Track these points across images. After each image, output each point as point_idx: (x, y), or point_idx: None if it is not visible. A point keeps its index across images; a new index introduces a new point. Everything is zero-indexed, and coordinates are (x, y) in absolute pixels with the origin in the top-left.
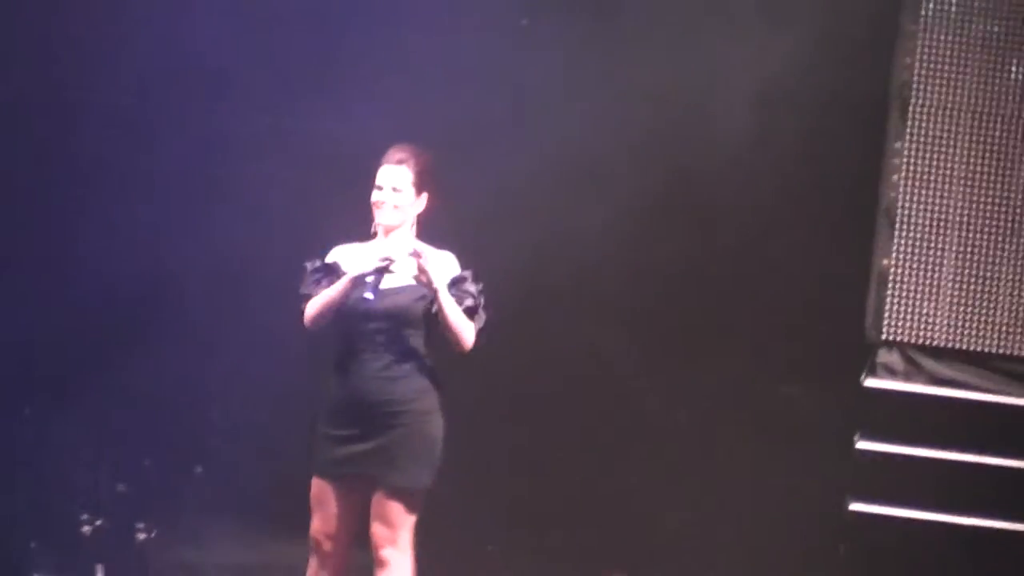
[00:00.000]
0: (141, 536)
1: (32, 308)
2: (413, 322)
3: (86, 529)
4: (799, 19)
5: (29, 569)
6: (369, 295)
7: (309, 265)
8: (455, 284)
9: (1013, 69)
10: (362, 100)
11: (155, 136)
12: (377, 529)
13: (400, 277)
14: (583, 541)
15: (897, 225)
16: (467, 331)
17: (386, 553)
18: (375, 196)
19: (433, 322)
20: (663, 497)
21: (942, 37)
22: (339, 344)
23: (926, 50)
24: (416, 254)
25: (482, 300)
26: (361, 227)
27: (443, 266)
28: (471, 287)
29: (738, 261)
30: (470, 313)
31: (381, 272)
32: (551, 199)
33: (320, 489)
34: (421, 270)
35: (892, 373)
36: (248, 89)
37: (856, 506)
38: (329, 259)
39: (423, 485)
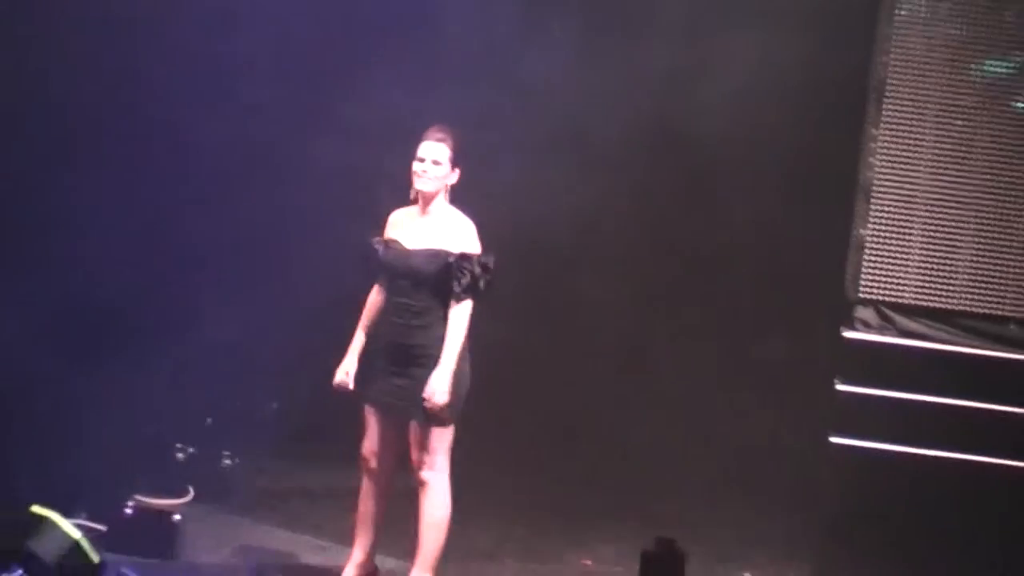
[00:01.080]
0: (226, 462)
1: (124, 266)
2: (430, 281)
3: (180, 456)
4: (794, 23)
5: (133, 491)
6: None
7: (375, 242)
8: (461, 261)
9: (972, 68)
10: (395, 86)
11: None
12: (416, 455)
13: (423, 241)
14: (585, 470)
15: (872, 199)
16: (461, 330)
17: (425, 475)
18: (416, 167)
19: (448, 280)
20: (664, 429)
21: (913, 40)
22: (383, 295)
23: (899, 50)
24: (429, 397)
25: (484, 273)
26: (401, 195)
27: (463, 234)
28: (474, 266)
29: (736, 230)
30: (466, 289)
31: None
32: (560, 172)
33: (368, 414)
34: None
35: (867, 326)
36: (301, 74)
37: (836, 439)
38: (387, 232)
39: (453, 416)
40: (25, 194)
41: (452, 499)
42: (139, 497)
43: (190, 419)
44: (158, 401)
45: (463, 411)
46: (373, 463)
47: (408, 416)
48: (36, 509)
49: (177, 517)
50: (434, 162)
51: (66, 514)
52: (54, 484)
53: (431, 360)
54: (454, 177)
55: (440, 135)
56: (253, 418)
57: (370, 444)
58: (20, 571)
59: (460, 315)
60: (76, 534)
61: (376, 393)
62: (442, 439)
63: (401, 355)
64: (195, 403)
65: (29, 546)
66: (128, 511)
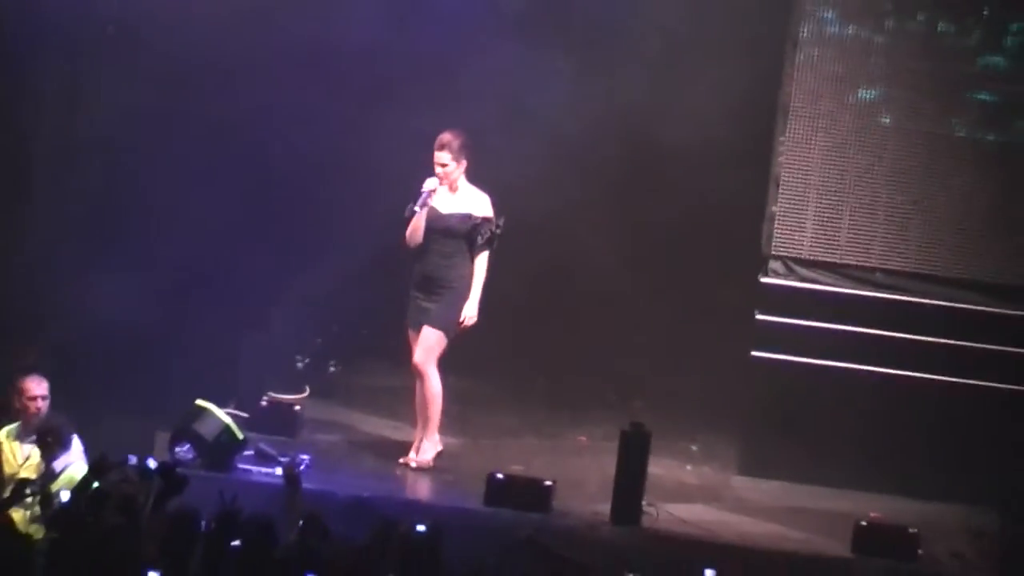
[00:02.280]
0: (331, 369)
1: (257, 234)
2: (457, 235)
3: (299, 365)
4: (728, 60)
5: (267, 389)
6: (416, 208)
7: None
8: (478, 225)
9: (860, 92)
10: (426, 107)
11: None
12: (416, 353)
13: (455, 205)
14: (583, 373)
15: (780, 185)
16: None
17: (422, 367)
18: (436, 168)
19: (471, 235)
20: (638, 349)
21: (808, 74)
22: (421, 243)
23: (799, 82)
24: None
25: (490, 236)
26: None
27: (478, 202)
28: (492, 227)
29: (685, 209)
30: (486, 243)
31: (426, 195)
32: (552, 170)
33: (409, 334)
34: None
35: (777, 275)
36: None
37: (756, 353)
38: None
39: (445, 329)
40: (163, 190)
41: (485, 388)
42: (271, 394)
43: (306, 339)
44: (284, 327)
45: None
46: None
47: (422, 325)
48: (199, 402)
49: (298, 408)
50: (442, 165)
51: (220, 405)
52: (212, 385)
53: (450, 291)
54: (462, 167)
55: (441, 142)
56: (350, 339)
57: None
58: (188, 445)
59: (482, 261)
60: (227, 419)
61: (411, 317)
62: (436, 344)
63: (431, 285)
64: (310, 328)
65: (194, 428)
66: (264, 403)
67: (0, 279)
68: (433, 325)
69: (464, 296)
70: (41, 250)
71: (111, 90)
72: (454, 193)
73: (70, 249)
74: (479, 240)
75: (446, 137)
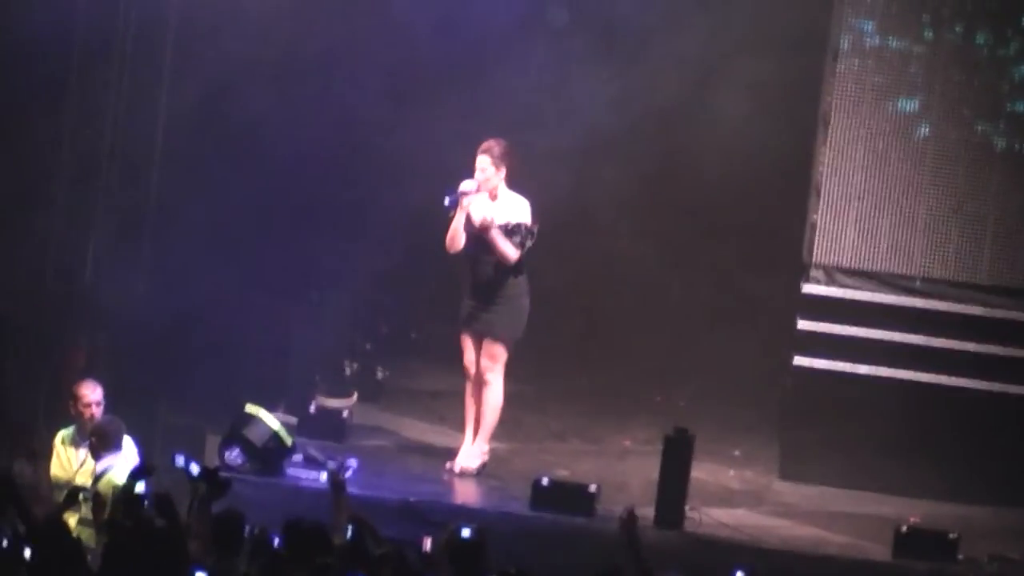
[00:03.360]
0: (380, 375)
1: (306, 241)
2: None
3: (348, 371)
4: (762, 60)
5: (315, 394)
6: (448, 203)
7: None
8: (513, 229)
9: (899, 102)
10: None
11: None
12: (483, 362)
13: (496, 213)
14: (627, 378)
15: (821, 196)
16: (508, 251)
17: (488, 376)
18: (476, 174)
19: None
20: (682, 352)
21: (849, 85)
22: (468, 251)
23: (839, 92)
24: (484, 222)
25: (526, 239)
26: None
27: (518, 208)
28: (522, 233)
29: (732, 218)
30: (518, 246)
31: (459, 195)
32: (594, 152)
33: (462, 338)
34: (483, 225)
35: (819, 283)
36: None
37: (798, 359)
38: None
39: (510, 338)
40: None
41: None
42: (319, 399)
43: (356, 344)
44: (333, 333)
45: (522, 337)
46: (471, 372)
47: (482, 336)
48: (249, 407)
49: (345, 413)
50: (481, 170)
51: (270, 410)
52: (262, 390)
53: (506, 300)
54: (502, 174)
55: (483, 148)
56: (398, 344)
57: (466, 358)
58: (238, 449)
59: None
60: (276, 424)
61: (463, 323)
62: (500, 354)
63: (485, 294)
64: (359, 333)
65: (243, 433)
66: (312, 409)
67: (53, 281)
68: (496, 337)
69: (521, 302)
70: (95, 252)
71: (151, 91)
72: (494, 201)
73: (124, 251)
74: (515, 243)
75: (488, 143)
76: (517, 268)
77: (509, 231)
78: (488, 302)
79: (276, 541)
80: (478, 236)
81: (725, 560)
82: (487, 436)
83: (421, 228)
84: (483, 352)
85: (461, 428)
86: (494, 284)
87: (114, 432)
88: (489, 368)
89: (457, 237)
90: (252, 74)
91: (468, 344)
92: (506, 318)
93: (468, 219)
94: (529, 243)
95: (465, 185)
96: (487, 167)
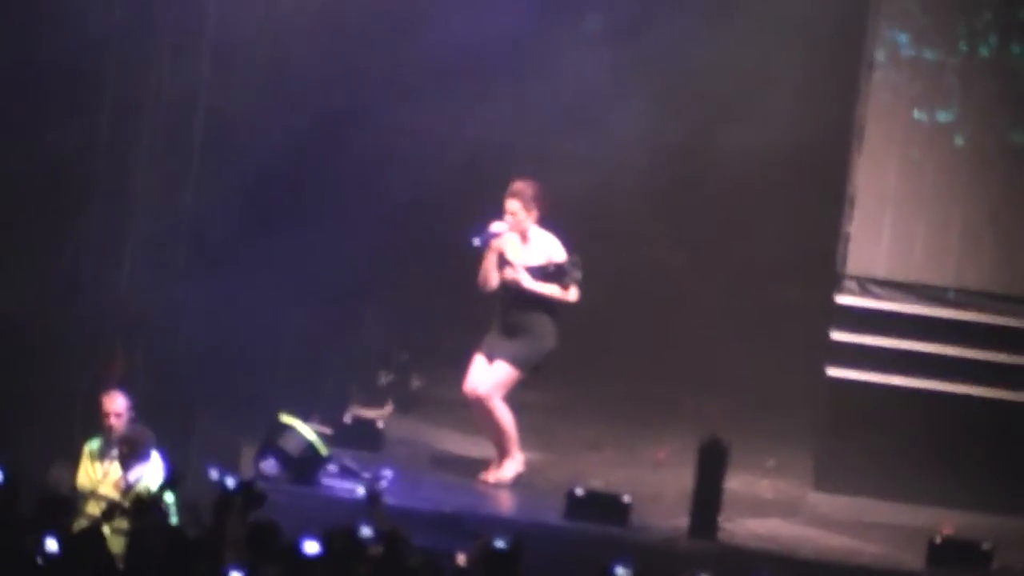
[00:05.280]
0: (415, 385)
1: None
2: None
3: (383, 381)
4: (797, 70)
5: (350, 403)
6: (477, 243)
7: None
8: (561, 269)
9: (934, 112)
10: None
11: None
12: (484, 380)
13: (530, 256)
14: (660, 389)
15: (855, 207)
16: (553, 293)
17: (491, 404)
18: (505, 214)
19: (558, 279)
20: (715, 363)
21: (883, 94)
22: (499, 292)
23: (873, 102)
24: (515, 274)
25: (574, 273)
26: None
27: (550, 247)
28: (572, 268)
29: (767, 229)
30: (565, 286)
31: (490, 235)
32: (624, 160)
33: (473, 359)
34: (514, 281)
35: (852, 294)
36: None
37: (832, 370)
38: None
39: (520, 366)
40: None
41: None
42: (355, 409)
43: (391, 355)
44: (369, 344)
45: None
46: (470, 397)
47: (494, 358)
48: (283, 417)
49: (380, 424)
50: (511, 213)
51: (305, 421)
52: (298, 401)
53: (530, 333)
54: (533, 216)
55: (513, 191)
56: (433, 355)
57: (467, 384)
58: (273, 460)
59: (572, 293)
60: (311, 435)
61: (486, 347)
62: (509, 379)
63: (512, 330)
64: (394, 345)
65: (278, 443)
66: (347, 419)
67: (89, 291)
68: (508, 361)
69: (546, 338)
70: (131, 261)
71: (189, 98)
72: (526, 244)
73: (160, 260)
74: (568, 281)
75: (518, 186)
76: (550, 309)
77: (551, 274)
78: (513, 333)
79: (308, 546)
80: (511, 282)
81: (760, 572)
82: (514, 449)
83: (457, 236)
84: (489, 373)
85: None
86: (523, 320)
87: (142, 442)
88: (488, 392)
89: (490, 277)
90: (297, 81)
91: (476, 367)
92: (525, 348)
93: (501, 258)
94: (578, 275)
95: (496, 227)
96: (517, 210)
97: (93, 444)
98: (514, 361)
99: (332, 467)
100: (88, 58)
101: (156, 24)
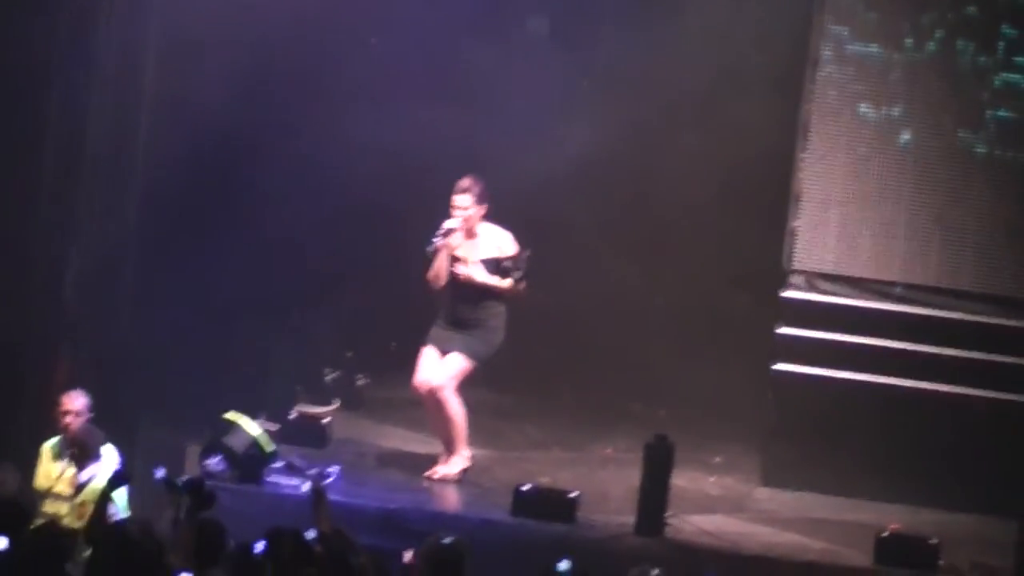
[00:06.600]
0: (360, 382)
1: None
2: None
3: (328, 378)
4: (740, 68)
5: (295, 401)
6: (434, 242)
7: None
8: (507, 265)
9: (879, 109)
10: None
11: None
12: (438, 374)
13: (479, 251)
14: (607, 386)
15: (800, 202)
16: (504, 286)
17: (442, 394)
18: (455, 209)
19: (503, 274)
20: (663, 360)
21: (828, 92)
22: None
23: (818, 100)
24: (467, 271)
25: (522, 269)
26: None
27: (501, 240)
28: (519, 264)
29: (711, 227)
30: (515, 283)
31: (445, 232)
32: (570, 171)
33: (423, 353)
34: (466, 280)
35: (798, 289)
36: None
37: (778, 366)
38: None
39: (475, 360)
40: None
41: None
42: (300, 407)
43: (337, 353)
44: (315, 342)
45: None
46: (422, 390)
47: (447, 352)
48: (229, 415)
49: (326, 421)
50: (463, 208)
51: (250, 418)
52: (243, 398)
53: (483, 327)
54: (481, 210)
55: (463, 186)
56: (378, 353)
57: (418, 378)
58: (219, 457)
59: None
60: (257, 432)
61: (436, 341)
62: (463, 372)
63: (462, 324)
64: (340, 343)
65: (225, 440)
66: (293, 416)
67: (35, 294)
68: (463, 353)
69: (498, 331)
70: (77, 265)
71: (134, 104)
72: (474, 239)
73: (106, 264)
74: (518, 276)
75: (466, 182)
76: (499, 299)
77: (504, 268)
78: (463, 327)
79: (256, 548)
80: (460, 277)
81: (707, 568)
82: (461, 445)
83: (402, 238)
84: (444, 365)
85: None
86: (471, 318)
87: (92, 442)
88: (443, 383)
89: (441, 275)
90: (239, 94)
91: (427, 360)
92: (478, 341)
93: (451, 256)
94: (526, 274)
95: (450, 223)
96: (468, 205)
97: (51, 445)
98: (469, 353)
99: (277, 464)
100: (32, 63)
101: (100, 38)
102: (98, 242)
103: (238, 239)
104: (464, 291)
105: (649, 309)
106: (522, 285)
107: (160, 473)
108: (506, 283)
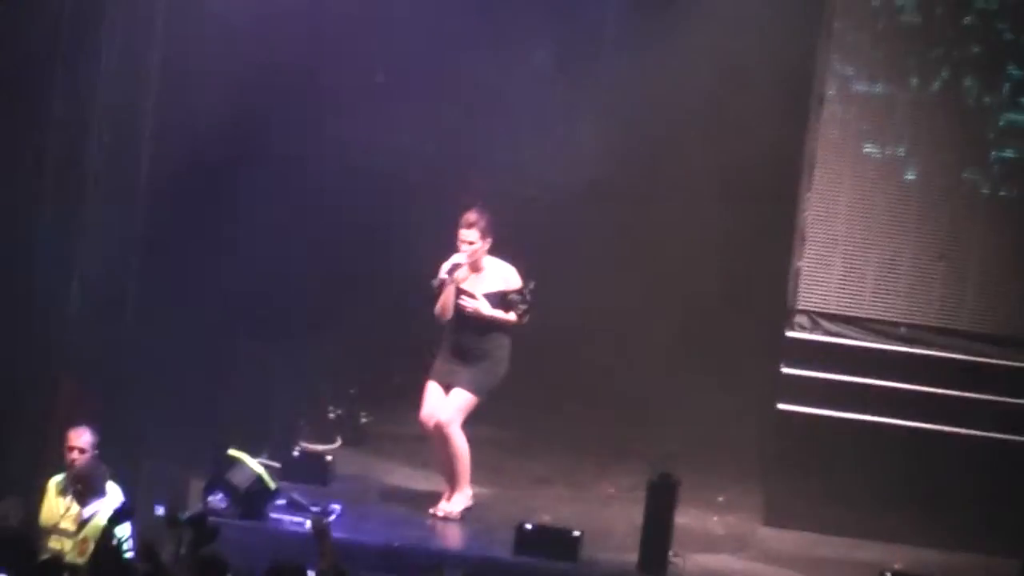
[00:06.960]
0: (363, 420)
1: (299, 283)
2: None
3: (332, 415)
4: (746, 106)
5: (298, 439)
6: (442, 277)
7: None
8: (512, 299)
9: (885, 148)
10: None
11: None
12: (445, 410)
13: (484, 285)
14: (610, 425)
15: (806, 241)
16: (504, 318)
17: (448, 430)
18: (461, 243)
19: (507, 307)
20: (668, 398)
21: (832, 130)
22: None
23: (823, 138)
24: (475, 304)
25: (528, 300)
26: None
27: (507, 274)
28: (523, 298)
29: (716, 264)
30: (525, 314)
31: (451, 268)
32: (574, 198)
33: (428, 387)
34: (474, 311)
35: (803, 328)
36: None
37: (782, 405)
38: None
39: (479, 393)
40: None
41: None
42: (303, 444)
43: (339, 390)
44: (317, 379)
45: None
46: (428, 424)
47: (452, 386)
48: (231, 452)
49: (329, 458)
50: (469, 243)
51: (253, 455)
52: (247, 435)
53: (487, 358)
54: (487, 244)
55: (469, 220)
56: (381, 390)
57: (424, 411)
58: (221, 494)
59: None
60: (259, 469)
61: (439, 376)
62: (468, 406)
63: (466, 355)
64: (343, 379)
65: (227, 477)
66: (296, 453)
67: (36, 325)
68: (467, 388)
69: (502, 362)
70: (80, 297)
71: (136, 121)
72: (480, 273)
73: (108, 295)
74: (522, 309)
75: (472, 216)
76: (504, 330)
77: (511, 301)
78: (468, 359)
79: None
80: (466, 310)
81: None
82: (465, 482)
83: (408, 273)
84: (449, 400)
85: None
86: (475, 348)
87: (96, 477)
88: (449, 419)
89: (448, 309)
90: (244, 100)
91: (432, 395)
92: (481, 374)
93: (458, 288)
94: (530, 308)
95: (457, 258)
96: (475, 240)
97: (57, 480)
98: (474, 387)
99: (280, 501)
100: (36, 77)
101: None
102: (100, 273)
103: (238, 269)
104: (470, 323)
105: (653, 347)
106: (527, 318)
107: (160, 510)
108: (512, 316)
